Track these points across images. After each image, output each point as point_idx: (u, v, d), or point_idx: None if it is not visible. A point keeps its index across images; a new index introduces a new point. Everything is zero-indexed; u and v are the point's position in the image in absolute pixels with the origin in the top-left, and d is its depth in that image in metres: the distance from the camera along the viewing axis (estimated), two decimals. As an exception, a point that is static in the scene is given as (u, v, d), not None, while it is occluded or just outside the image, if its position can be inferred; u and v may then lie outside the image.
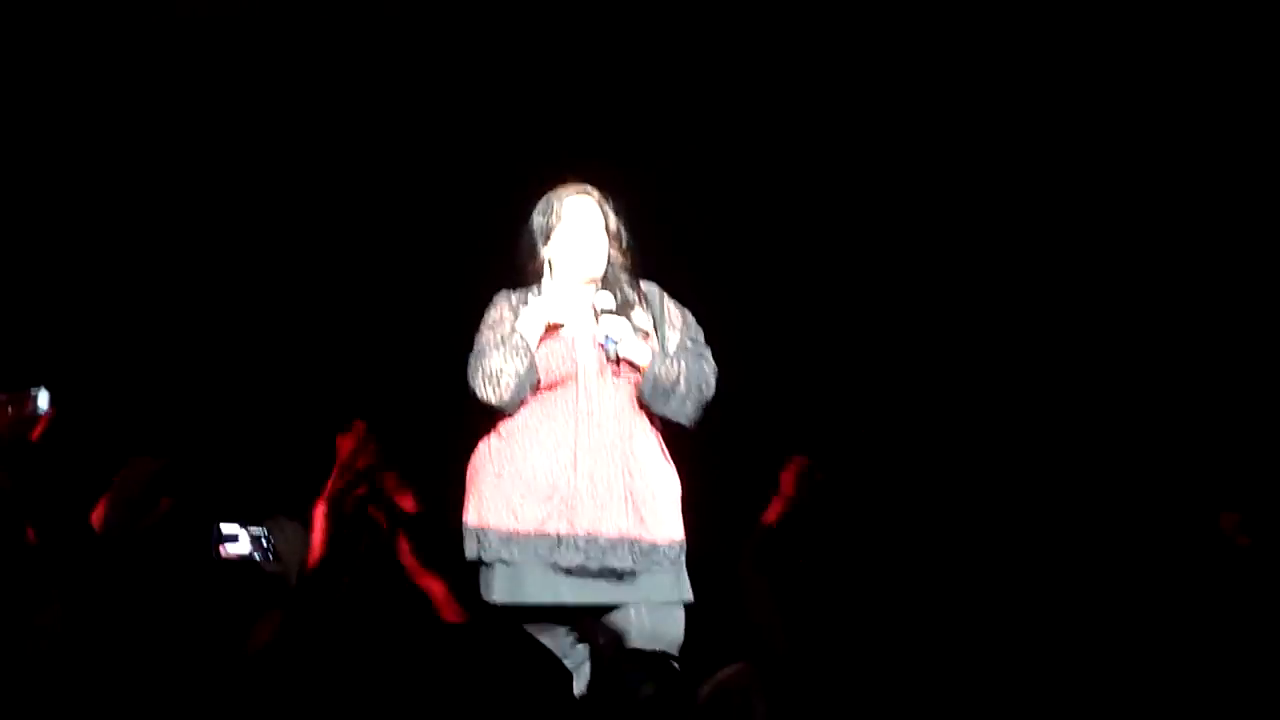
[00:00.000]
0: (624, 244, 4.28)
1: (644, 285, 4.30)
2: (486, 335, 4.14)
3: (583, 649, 4.11)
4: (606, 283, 4.23)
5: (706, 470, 4.43)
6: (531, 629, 3.90)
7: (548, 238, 4.22)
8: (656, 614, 4.04)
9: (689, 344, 4.23)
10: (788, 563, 5.07)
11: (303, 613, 4.09)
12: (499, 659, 2.52)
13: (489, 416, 4.15)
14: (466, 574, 4.12)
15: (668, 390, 4.11)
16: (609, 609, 4.04)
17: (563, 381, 4.11)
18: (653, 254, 4.37)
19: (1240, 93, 5.87)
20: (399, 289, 6.19)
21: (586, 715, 3.63)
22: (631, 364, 4.13)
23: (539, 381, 4.09)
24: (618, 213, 4.28)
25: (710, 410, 4.22)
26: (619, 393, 4.13)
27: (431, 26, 5.92)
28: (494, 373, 4.05)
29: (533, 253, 4.25)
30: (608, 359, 4.12)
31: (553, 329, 4.15)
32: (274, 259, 6.16)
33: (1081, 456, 6.09)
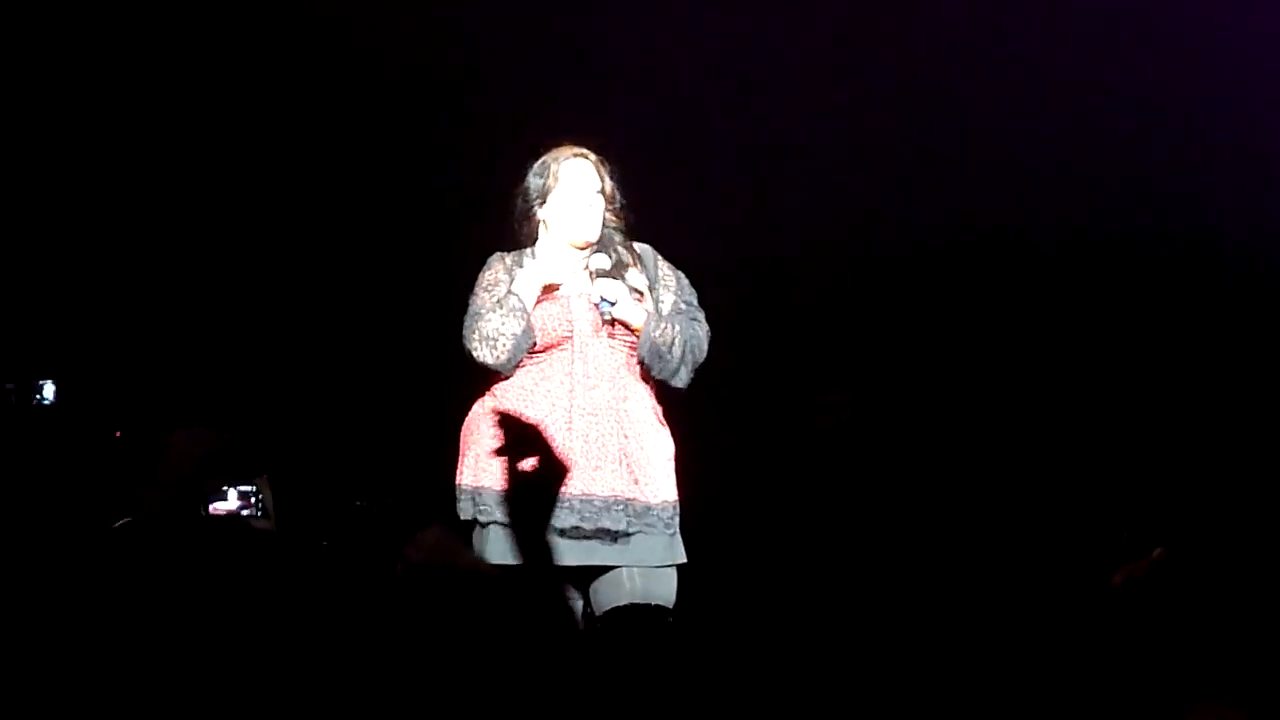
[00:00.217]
0: (619, 206, 4.29)
1: (638, 247, 4.31)
2: (482, 297, 4.15)
3: (577, 607, 4.13)
4: (601, 244, 4.23)
5: (700, 433, 4.45)
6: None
7: (544, 199, 4.23)
8: (649, 576, 4.06)
9: (683, 306, 4.24)
10: None
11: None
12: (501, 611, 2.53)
13: (483, 378, 4.16)
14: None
15: (664, 354, 4.13)
16: (602, 571, 4.06)
17: (558, 343, 4.12)
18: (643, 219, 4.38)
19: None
20: (384, 251, 6.19)
21: (581, 673, 3.65)
22: (627, 326, 4.14)
23: (535, 343, 4.10)
24: (613, 175, 4.29)
25: (702, 373, 4.25)
26: (614, 355, 4.14)
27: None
28: (491, 334, 4.06)
29: (528, 214, 4.25)
30: (603, 321, 4.13)
31: (549, 291, 4.16)
32: (262, 224, 6.17)
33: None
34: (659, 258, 4.33)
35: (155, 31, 5.84)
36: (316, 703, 2.42)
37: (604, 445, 4.05)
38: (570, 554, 4.01)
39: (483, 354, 4.07)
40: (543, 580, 4.03)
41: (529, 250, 4.26)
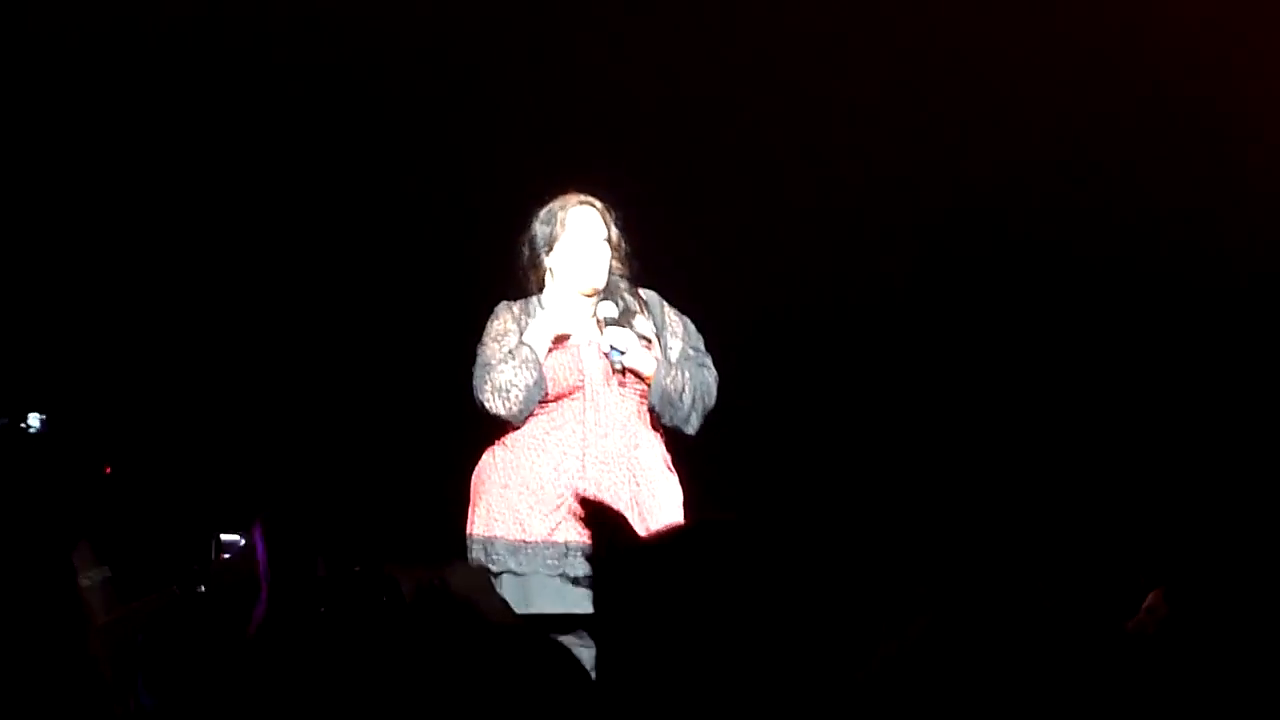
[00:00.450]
0: (624, 254, 4.30)
1: (644, 293, 4.32)
2: (492, 348, 4.15)
3: (588, 656, 4.12)
4: (608, 292, 4.24)
5: (706, 478, 4.45)
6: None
7: (551, 247, 4.23)
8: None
9: (691, 352, 4.26)
10: None
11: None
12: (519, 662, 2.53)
13: (493, 428, 4.17)
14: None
15: (675, 401, 4.14)
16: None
17: (569, 392, 4.13)
18: (651, 263, 4.39)
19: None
20: (392, 297, 6.19)
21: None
22: (637, 374, 4.15)
23: (546, 393, 4.11)
24: (618, 223, 4.30)
25: (711, 418, 4.25)
26: (625, 403, 4.15)
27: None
28: (504, 386, 4.07)
29: (535, 262, 4.26)
30: (614, 369, 4.14)
31: (559, 340, 4.16)
32: (272, 264, 6.16)
33: None
34: (665, 303, 4.34)
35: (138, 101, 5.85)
36: None
37: (616, 493, 4.05)
38: (584, 602, 4.01)
39: (495, 405, 4.08)
40: (554, 631, 4.02)
41: (535, 298, 4.26)
